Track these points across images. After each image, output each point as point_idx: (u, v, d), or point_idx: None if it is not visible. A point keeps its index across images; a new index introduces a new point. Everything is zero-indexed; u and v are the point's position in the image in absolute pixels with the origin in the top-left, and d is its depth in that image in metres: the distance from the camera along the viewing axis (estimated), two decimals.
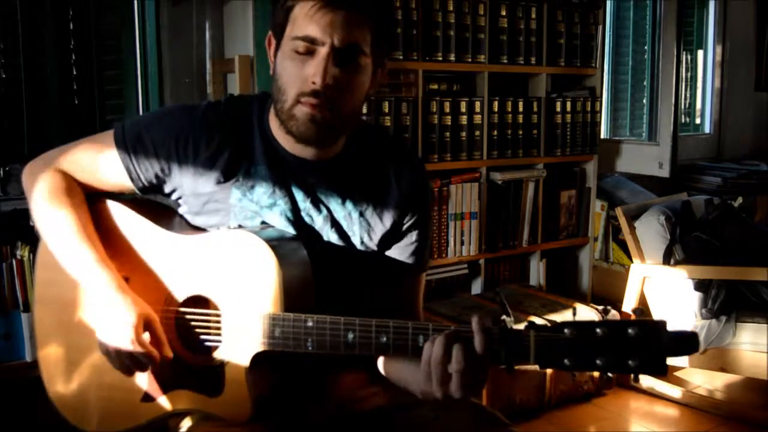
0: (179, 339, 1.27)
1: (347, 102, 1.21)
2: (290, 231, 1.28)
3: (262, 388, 1.21)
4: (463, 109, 2.80)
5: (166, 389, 1.26)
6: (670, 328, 0.99)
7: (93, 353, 1.29)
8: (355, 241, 1.32)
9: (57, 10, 2.41)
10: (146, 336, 1.22)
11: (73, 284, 1.29)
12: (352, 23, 1.16)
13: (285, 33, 1.19)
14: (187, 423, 1.28)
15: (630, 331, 0.99)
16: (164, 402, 1.27)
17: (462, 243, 2.86)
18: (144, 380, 1.27)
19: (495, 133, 2.90)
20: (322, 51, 1.16)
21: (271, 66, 1.26)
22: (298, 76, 1.18)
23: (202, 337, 1.25)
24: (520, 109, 2.96)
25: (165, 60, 2.58)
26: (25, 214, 2.17)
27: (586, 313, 2.74)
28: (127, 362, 1.22)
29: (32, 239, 2.11)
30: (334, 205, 1.30)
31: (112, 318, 1.21)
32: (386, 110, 2.58)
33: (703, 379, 2.99)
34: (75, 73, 2.47)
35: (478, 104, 2.83)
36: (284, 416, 1.29)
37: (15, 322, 2.10)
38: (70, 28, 2.44)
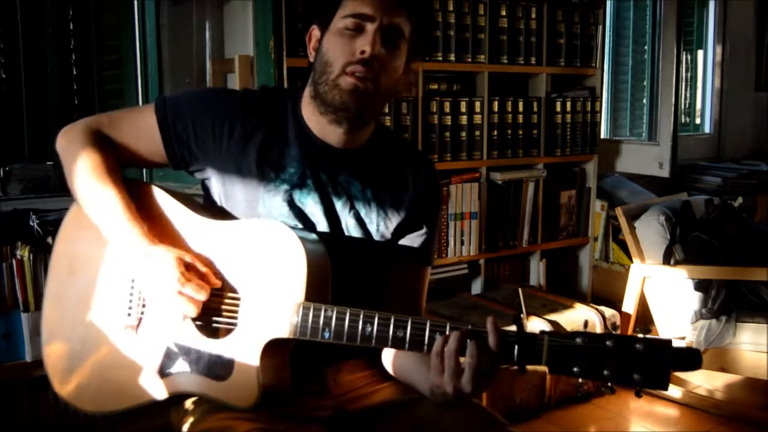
0: (193, 321, 1.27)
1: (385, 80, 1.29)
2: (317, 209, 1.33)
3: (270, 375, 1.22)
4: (463, 109, 2.80)
5: (171, 371, 1.27)
6: (675, 345, 1.04)
7: (99, 333, 1.30)
8: (371, 228, 1.37)
9: (57, 10, 2.41)
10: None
11: (92, 260, 1.31)
12: (398, 8, 1.28)
13: (334, 17, 1.29)
14: (191, 419, 1.28)
15: (637, 346, 1.04)
16: (167, 384, 1.27)
17: (462, 243, 2.86)
18: (146, 361, 1.28)
19: (495, 133, 2.90)
20: (371, 27, 1.26)
21: (311, 55, 1.35)
22: (346, 48, 1.27)
23: (218, 320, 1.26)
24: (520, 109, 2.96)
25: (165, 60, 2.59)
26: (25, 214, 2.18)
27: (585, 313, 2.75)
28: (179, 305, 1.22)
29: (32, 239, 2.11)
30: (355, 191, 1.36)
31: (154, 265, 1.23)
32: (386, 110, 2.58)
33: (703, 379, 2.99)
34: (75, 73, 2.47)
35: (478, 104, 2.83)
36: (288, 408, 1.30)
37: (15, 322, 2.10)
38: (70, 28, 2.45)
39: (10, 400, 2.09)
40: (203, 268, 1.24)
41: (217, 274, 1.26)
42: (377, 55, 1.26)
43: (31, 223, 2.13)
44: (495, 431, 1.28)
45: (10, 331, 2.10)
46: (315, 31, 1.35)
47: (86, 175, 1.29)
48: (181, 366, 1.26)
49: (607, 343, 1.05)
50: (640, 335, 1.07)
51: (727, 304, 2.71)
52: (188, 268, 1.23)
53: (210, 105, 1.35)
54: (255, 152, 1.32)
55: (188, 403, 1.31)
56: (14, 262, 2.07)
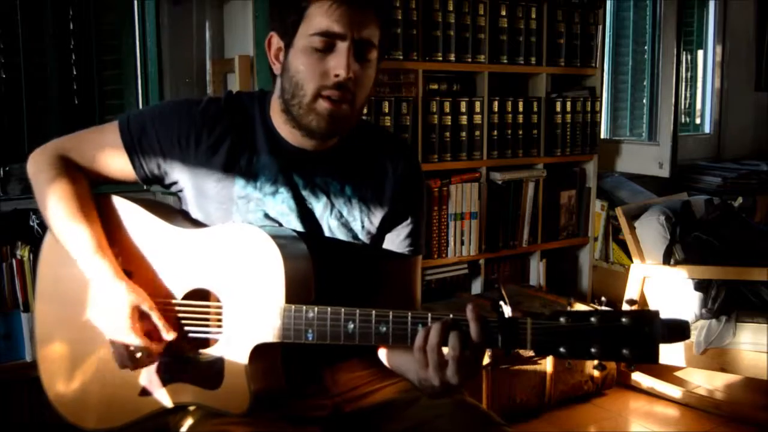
0: (180, 332, 1.27)
1: (362, 96, 1.26)
2: (293, 217, 1.31)
3: (261, 380, 1.22)
4: (463, 109, 2.80)
5: (165, 383, 1.27)
6: (663, 316, 1.01)
7: (93, 349, 1.30)
8: (356, 226, 1.35)
9: (57, 10, 2.41)
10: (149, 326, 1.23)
11: (76, 280, 1.29)
12: (367, 19, 1.22)
13: (298, 31, 1.22)
14: (188, 421, 1.28)
15: (624, 320, 1.01)
16: (163, 396, 1.27)
17: (462, 243, 2.86)
18: (142, 374, 1.27)
19: (495, 133, 2.90)
20: (343, 45, 1.20)
21: (274, 65, 1.29)
22: (317, 70, 1.21)
23: (203, 329, 1.26)
24: (520, 109, 2.96)
25: (165, 60, 2.59)
26: (25, 214, 2.18)
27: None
28: (125, 355, 1.22)
29: (32, 239, 2.12)
30: (334, 191, 1.33)
31: (107, 308, 1.22)
32: (386, 110, 2.58)
33: (703, 379, 2.99)
34: (75, 73, 2.47)
35: (478, 104, 2.83)
36: (283, 410, 1.29)
37: (15, 322, 2.10)
38: (70, 28, 2.44)
39: (10, 400, 2.09)
40: (158, 321, 1.23)
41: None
42: (353, 76, 1.20)
43: (31, 223, 2.14)
44: (492, 431, 1.27)
45: (10, 331, 2.10)
46: (275, 39, 1.28)
47: (57, 210, 1.28)
48: (174, 377, 1.26)
49: (592, 320, 1.02)
50: (627, 308, 1.04)
51: (727, 304, 2.71)
52: (143, 316, 1.22)
53: (174, 119, 1.32)
54: (223, 162, 1.30)
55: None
56: (14, 262, 2.08)
